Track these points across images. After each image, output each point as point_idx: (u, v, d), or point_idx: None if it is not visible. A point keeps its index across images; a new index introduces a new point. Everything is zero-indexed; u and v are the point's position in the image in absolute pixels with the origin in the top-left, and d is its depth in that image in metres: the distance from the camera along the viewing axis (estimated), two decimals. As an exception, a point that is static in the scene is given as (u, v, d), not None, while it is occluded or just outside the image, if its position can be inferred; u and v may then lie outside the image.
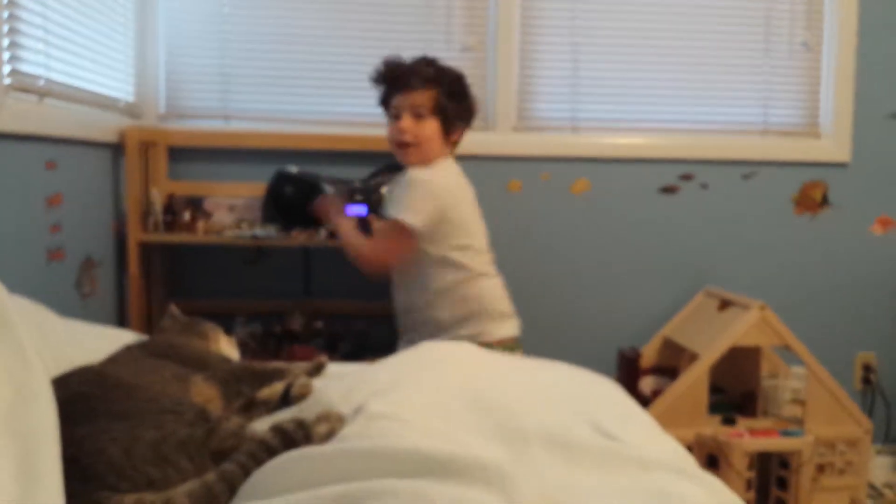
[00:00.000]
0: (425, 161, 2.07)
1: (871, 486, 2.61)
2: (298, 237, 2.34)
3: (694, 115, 2.81)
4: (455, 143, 2.16)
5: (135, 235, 2.31)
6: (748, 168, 2.80)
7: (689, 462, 1.15)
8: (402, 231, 1.97)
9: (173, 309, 1.21)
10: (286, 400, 1.12)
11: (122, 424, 0.85)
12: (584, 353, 2.22)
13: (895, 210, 2.86)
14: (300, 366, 1.20)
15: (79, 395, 0.91)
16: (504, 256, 2.26)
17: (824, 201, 2.83)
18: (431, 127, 2.05)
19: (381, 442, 0.88)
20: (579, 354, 2.12)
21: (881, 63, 2.81)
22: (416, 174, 2.02)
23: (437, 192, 2.01)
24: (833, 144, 2.82)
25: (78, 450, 0.82)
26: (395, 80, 2.08)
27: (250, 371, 1.05)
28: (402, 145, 2.07)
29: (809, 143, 2.84)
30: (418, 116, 2.04)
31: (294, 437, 0.90)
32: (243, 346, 2.25)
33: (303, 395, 1.12)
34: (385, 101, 2.14)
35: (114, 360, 1.04)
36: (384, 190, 2.46)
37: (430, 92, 2.04)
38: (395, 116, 2.09)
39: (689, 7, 2.77)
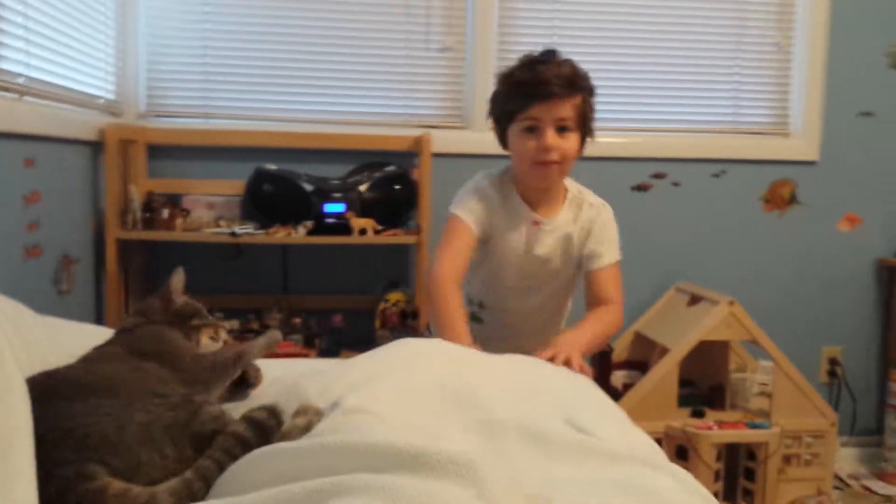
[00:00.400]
0: (561, 181, 1.84)
1: (837, 478, 2.68)
2: (277, 234, 2.36)
3: (666, 114, 2.86)
4: None
5: (113, 233, 2.32)
6: (719, 166, 2.86)
7: (660, 455, 1.18)
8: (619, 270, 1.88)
9: (178, 278, 1.16)
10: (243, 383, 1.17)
11: (114, 401, 0.88)
12: (558, 348, 2.27)
13: (862, 208, 2.93)
14: (257, 344, 1.21)
15: (67, 378, 0.93)
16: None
17: (793, 199, 2.89)
18: (575, 141, 1.76)
19: (354, 437, 0.90)
20: (553, 349, 2.16)
21: (850, 64, 2.87)
22: (600, 205, 1.89)
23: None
24: (802, 143, 2.88)
25: (72, 422, 0.84)
26: (537, 87, 1.71)
27: (218, 370, 1.07)
28: (545, 164, 1.74)
29: (779, 142, 2.90)
30: (562, 130, 1.73)
31: (266, 425, 0.93)
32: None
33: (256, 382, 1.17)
34: (513, 110, 1.76)
35: (93, 354, 1.06)
36: (362, 188, 2.49)
37: (575, 100, 1.73)
38: (528, 129, 1.74)
39: (663, 9, 2.82)
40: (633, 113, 2.85)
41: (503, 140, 1.82)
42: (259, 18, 2.68)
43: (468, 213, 1.80)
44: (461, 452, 0.89)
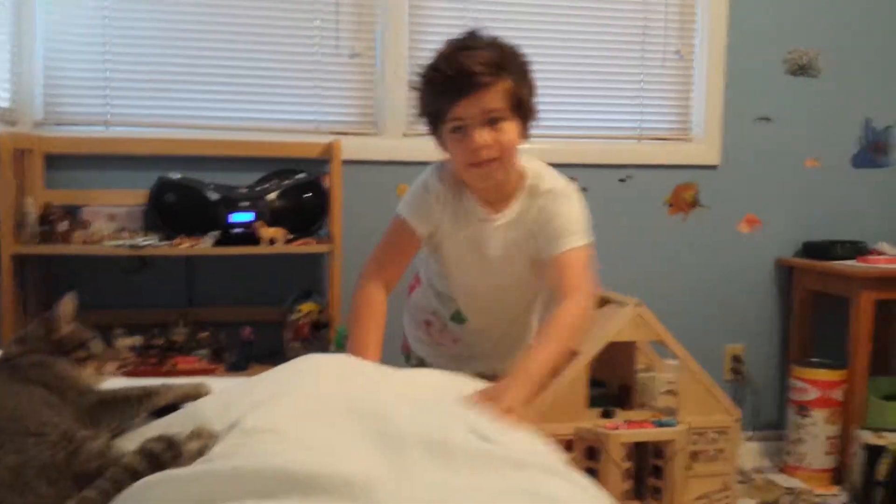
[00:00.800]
0: (509, 172, 1.63)
1: (741, 472, 2.78)
2: (182, 246, 2.30)
3: (574, 121, 2.92)
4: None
5: (7, 248, 2.23)
6: (625, 172, 2.93)
7: (560, 461, 1.20)
8: (588, 255, 1.68)
9: (67, 305, 1.10)
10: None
11: None
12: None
13: (761, 209, 3.05)
14: (175, 389, 1.17)
15: None
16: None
17: (695, 202, 2.99)
18: (512, 130, 1.56)
19: (246, 461, 0.88)
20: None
21: (749, 71, 2.98)
22: (558, 190, 1.67)
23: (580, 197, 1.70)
24: (703, 148, 2.98)
25: None
26: (457, 81, 1.51)
27: (110, 407, 1.03)
28: (479, 165, 1.56)
29: (681, 147, 2.99)
30: (493, 122, 1.54)
31: (162, 458, 0.90)
32: (123, 360, 2.20)
33: None
34: (437, 111, 1.57)
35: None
36: (271, 197, 2.46)
37: (503, 85, 1.53)
38: (455, 129, 1.56)
39: (569, 17, 2.88)
40: (542, 119, 2.87)
41: (441, 141, 1.63)
42: (163, 23, 2.61)
43: (414, 213, 1.65)
44: (357, 473, 0.88)
